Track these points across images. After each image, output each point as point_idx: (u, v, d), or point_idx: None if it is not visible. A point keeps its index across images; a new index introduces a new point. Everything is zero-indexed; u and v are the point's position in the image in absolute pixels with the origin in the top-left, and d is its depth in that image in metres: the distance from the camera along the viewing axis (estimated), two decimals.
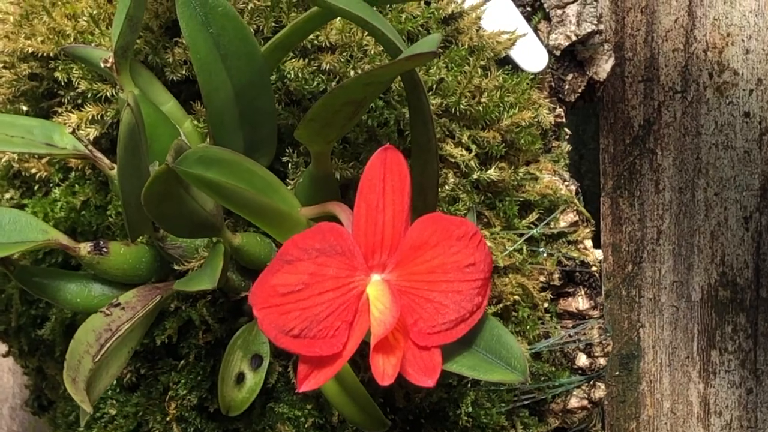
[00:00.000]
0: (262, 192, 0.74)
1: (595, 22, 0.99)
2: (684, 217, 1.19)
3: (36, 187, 0.94)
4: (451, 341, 0.72)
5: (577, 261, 0.98)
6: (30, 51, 0.89)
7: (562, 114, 1.00)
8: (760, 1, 1.15)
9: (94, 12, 0.88)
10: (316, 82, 0.87)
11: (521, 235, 0.94)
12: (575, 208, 0.98)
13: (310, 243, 0.67)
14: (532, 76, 0.95)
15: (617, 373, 1.22)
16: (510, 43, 0.94)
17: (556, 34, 0.99)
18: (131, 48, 0.81)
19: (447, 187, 0.91)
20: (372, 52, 0.88)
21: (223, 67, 0.77)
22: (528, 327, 0.96)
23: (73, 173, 0.92)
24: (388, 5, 0.89)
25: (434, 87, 0.90)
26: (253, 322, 0.85)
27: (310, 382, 0.69)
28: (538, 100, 0.95)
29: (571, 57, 1.01)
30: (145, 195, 0.70)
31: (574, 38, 0.98)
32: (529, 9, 0.99)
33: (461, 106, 0.89)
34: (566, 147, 1.01)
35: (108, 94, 0.88)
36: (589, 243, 1.00)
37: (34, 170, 0.92)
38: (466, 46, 0.92)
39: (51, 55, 0.89)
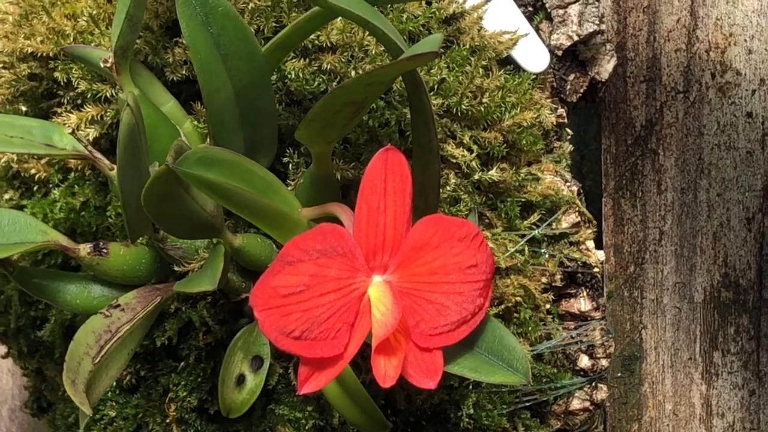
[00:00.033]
0: (263, 193, 0.74)
1: (597, 22, 0.99)
2: (686, 217, 1.19)
3: (35, 188, 0.94)
4: (452, 343, 0.72)
5: (579, 262, 0.98)
6: (29, 51, 0.89)
7: (564, 114, 1.00)
8: (762, 1, 1.15)
9: (94, 12, 0.88)
10: (316, 83, 0.87)
11: (523, 236, 0.94)
12: (577, 208, 0.98)
13: (311, 244, 0.66)
14: (533, 77, 0.95)
15: (619, 374, 1.22)
16: (511, 43, 0.94)
17: (557, 34, 0.98)
18: (131, 48, 0.81)
19: (448, 188, 0.90)
20: (373, 52, 0.88)
21: (224, 68, 0.76)
22: (530, 328, 0.95)
23: (72, 174, 0.92)
24: (390, 5, 0.88)
25: (436, 87, 0.89)
26: (253, 324, 0.85)
27: (311, 384, 0.68)
28: (540, 100, 0.95)
29: (572, 57, 1.01)
30: (145, 196, 0.70)
31: (575, 38, 0.98)
32: (530, 9, 0.99)
33: (463, 107, 0.89)
34: (568, 147, 1.00)
35: (108, 95, 0.88)
36: (591, 244, 1.00)
37: (33, 171, 0.92)
38: (467, 46, 0.91)
39: (50, 55, 0.89)
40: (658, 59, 1.18)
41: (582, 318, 0.99)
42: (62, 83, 0.89)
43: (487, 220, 0.94)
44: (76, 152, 0.82)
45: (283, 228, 0.76)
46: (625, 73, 1.19)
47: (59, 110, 0.89)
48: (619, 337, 1.21)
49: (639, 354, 1.22)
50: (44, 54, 0.89)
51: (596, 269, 0.99)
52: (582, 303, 0.99)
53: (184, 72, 0.87)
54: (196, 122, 0.87)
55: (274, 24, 0.87)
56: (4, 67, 0.92)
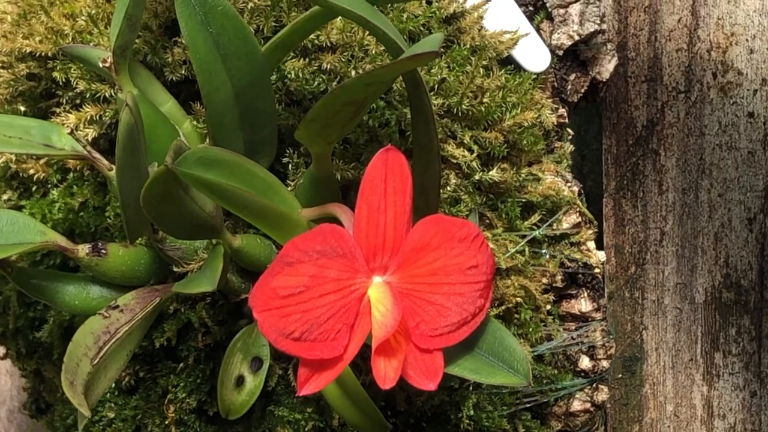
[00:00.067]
0: (263, 193, 0.74)
1: (598, 21, 0.99)
2: (687, 218, 1.19)
3: (34, 188, 0.94)
4: (453, 344, 0.72)
5: (579, 263, 0.98)
6: (28, 51, 0.89)
7: (565, 114, 0.99)
8: (764, 1, 1.15)
9: (93, 11, 0.88)
10: (316, 82, 0.87)
11: (523, 236, 0.94)
12: (578, 209, 0.98)
13: (311, 245, 0.66)
14: (534, 76, 0.95)
15: (620, 375, 1.21)
16: (512, 43, 0.94)
17: (558, 33, 0.98)
18: (130, 48, 0.81)
19: (449, 188, 0.90)
20: (373, 51, 0.87)
21: (223, 67, 0.76)
22: (530, 329, 0.95)
23: (71, 174, 0.92)
24: (390, 4, 0.88)
25: (436, 87, 0.89)
26: (253, 325, 0.85)
27: (310, 385, 0.68)
28: (541, 100, 0.95)
29: (573, 57, 1.01)
30: (143, 196, 0.69)
31: (576, 38, 0.98)
32: (531, 8, 0.99)
33: (463, 107, 0.89)
34: (569, 148, 1.00)
35: (107, 95, 0.88)
36: (591, 244, 1.00)
37: (32, 171, 0.92)
38: (468, 46, 0.91)
39: (49, 54, 0.89)
40: (660, 59, 1.17)
41: (583, 319, 0.99)
42: (61, 83, 0.89)
43: (487, 221, 0.93)
44: (75, 152, 0.81)
45: (282, 228, 0.76)
46: (626, 73, 1.18)
47: (58, 110, 0.89)
48: (620, 338, 1.21)
49: (640, 355, 1.21)
50: (43, 54, 0.89)
51: (597, 270, 0.99)
52: (583, 304, 0.99)
53: (183, 72, 0.87)
54: (195, 122, 0.86)
55: (273, 23, 0.86)
56: (2, 67, 0.91)
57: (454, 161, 0.90)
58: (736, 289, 1.19)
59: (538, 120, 0.94)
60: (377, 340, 0.66)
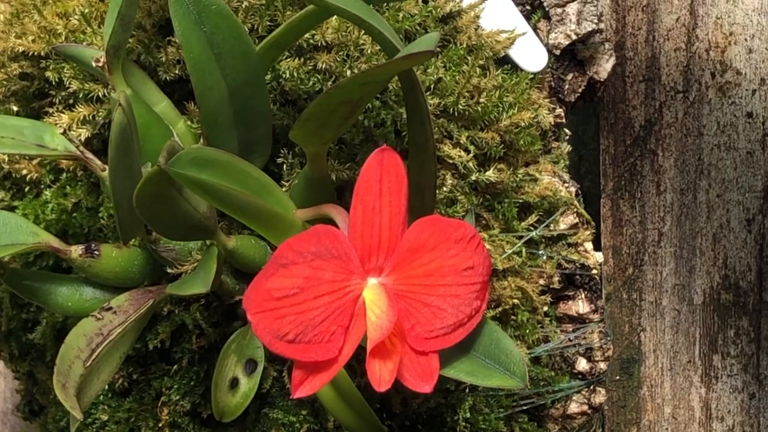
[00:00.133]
0: (257, 194, 0.74)
1: (596, 20, 0.98)
2: (686, 219, 1.18)
3: (27, 189, 0.93)
4: (449, 346, 0.72)
5: (577, 264, 0.98)
6: (21, 50, 0.89)
7: (562, 114, 0.99)
8: (763, 0, 1.14)
9: (86, 10, 0.88)
10: (311, 82, 0.86)
11: (520, 237, 0.94)
12: (575, 210, 0.98)
13: (306, 246, 0.66)
14: (531, 76, 0.94)
15: (618, 377, 1.21)
16: (509, 42, 0.93)
17: (555, 33, 0.98)
18: (123, 47, 0.81)
19: (445, 189, 0.90)
20: (369, 51, 0.87)
21: (217, 67, 0.76)
22: (527, 331, 0.95)
23: (64, 174, 0.92)
24: (386, 3, 0.88)
25: (432, 87, 0.89)
26: (247, 326, 0.85)
27: (305, 387, 0.68)
28: (538, 100, 0.94)
29: (571, 56, 1.00)
30: (136, 196, 0.69)
31: (574, 37, 0.98)
32: (528, 7, 0.99)
33: (459, 106, 0.89)
34: (566, 148, 1.00)
35: (100, 94, 0.87)
36: (589, 245, 0.99)
37: (24, 171, 0.92)
38: (464, 46, 0.91)
39: (42, 54, 0.89)
40: (658, 58, 1.17)
41: (580, 320, 0.99)
42: (54, 83, 0.89)
43: (484, 222, 0.93)
44: (68, 153, 0.81)
45: (277, 229, 0.76)
46: (623, 73, 1.18)
47: (51, 110, 0.89)
48: (618, 339, 1.20)
49: (638, 357, 1.21)
50: (36, 53, 0.89)
51: (594, 271, 0.99)
52: (580, 305, 0.98)
53: (177, 71, 0.87)
54: (189, 122, 0.86)
55: (268, 22, 0.86)
56: None
57: (451, 161, 0.90)
58: (735, 291, 1.19)
59: (535, 120, 0.93)
60: (372, 342, 0.66)
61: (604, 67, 1.02)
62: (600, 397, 1.00)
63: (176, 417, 0.92)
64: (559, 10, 0.98)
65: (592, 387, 1.00)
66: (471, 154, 0.90)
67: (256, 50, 0.77)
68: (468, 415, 0.93)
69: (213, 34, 0.75)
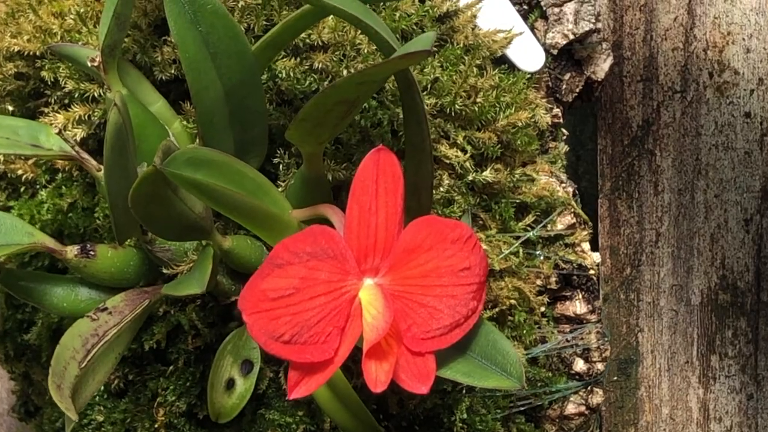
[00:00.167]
0: (253, 194, 0.74)
1: (593, 20, 0.98)
2: (683, 219, 1.18)
3: (22, 189, 0.93)
4: (445, 347, 0.71)
5: (574, 264, 0.97)
6: (16, 50, 0.89)
7: (560, 114, 0.99)
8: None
9: (82, 10, 0.87)
10: (308, 82, 0.86)
11: (517, 237, 0.94)
12: (572, 210, 0.97)
13: (302, 246, 0.66)
14: (528, 76, 0.94)
15: (615, 378, 1.21)
16: (506, 42, 0.93)
17: (553, 32, 0.98)
18: (119, 47, 0.81)
19: (442, 189, 0.90)
20: (365, 50, 0.87)
21: (213, 66, 0.76)
22: (524, 331, 0.95)
23: (60, 175, 0.91)
24: (382, 3, 0.88)
25: (429, 86, 0.89)
26: (243, 327, 0.85)
27: (301, 388, 0.68)
28: (535, 100, 0.94)
29: (568, 56, 1.00)
30: (132, 197, 0.69)
31: (571, 37, 0.98)
32: (525, 7, 0.98)
33: (456, 106, 0.89)
34: (563, 148, 1.00)
35: (95, 94, 0.87)
36: (586, 246, 0.99)
37: (20, 171, 0.92)
38: (461, 45, 0.91)
39: (37, 54, 0.89)
40: (655, 58, 1.17)
41: (577, 321, 0.98)
42: (49, 82, 0.89)
43: (481, 222, 0.93)
44: (63, 153, 0.81)
45: (273, 230, 0.75)
46: (621, 73, 1.18)
47: (46, 110, 0.89)
48: (615, 340, 1.20)
49: (635, 357, 1.21)
50: (31, 53, 0.88)
51: (592, 271, 0.99)
52: (577, 306, 0.98)
53: (173, 71, 0.87)
54: (185, 122, 0.86)
55: (264, 22, 0.86)
56: None
57: (447, 161, 0.90)
58: (733, 291, 1.19)
59: (533, 120, 0.93)
60: (368, 343, 0.66)
61: (602, 66, 1.02)
62: (597, 397, 1.00)
63: (172, 418, 0.92)
64: (556, 10, 0.98)
65: (589, 388, 0.99)
66: (468, 154, 0.90)
67: (252, 50, 0.77)
68: (465, 416, 0.92)
69: (208, 34, 0.74)
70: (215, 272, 0.77)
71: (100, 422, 0.94)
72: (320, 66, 0.86)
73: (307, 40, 0.86)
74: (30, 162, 0.92)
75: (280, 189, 0.85)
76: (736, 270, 1.19)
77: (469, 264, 0.71)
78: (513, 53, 0.94)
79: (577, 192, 1.00)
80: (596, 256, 1.00)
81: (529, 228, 0.95)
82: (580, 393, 0.99)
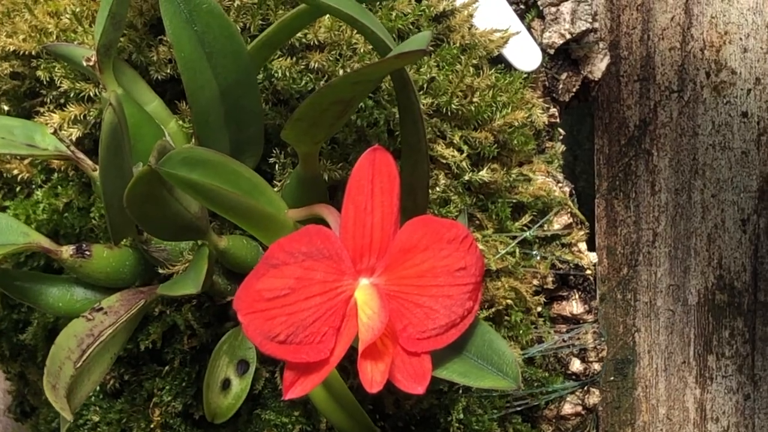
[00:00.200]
0: (248, 194, 0.74)
1: (590, 19, 0.98)
2: (680, 219, 1.18)
3: (18, 189, 0.93)
4: (441, 347, 0.71)
5: (571, 264, 0.97)
6: (11, 49, 0.88)
7: (556, 114, 0.99)
8: None
9: (77, 9, 0.87)
10: (304, 81, 0.86)
11: (514, 237, 0.93)
12: (569, 210, 0.97)
13: (297, 246, 0.65)
14: (525, 75, 0.94)
15: (612, 378, 1.21)
16: (503, 42, 0.93)
17: (549, 32, 0.98)
18: (114, 46, 0.80)
19: (438, 189, 0.90)
20: (361, 50, 0.87)
21: (208, 66, 0.75)
22: (521, 332, 0.95)
23: (55, 174, 0.91)
24: (378, 2, 0.88)
25: (425, 86, 0.89)
26: (239, 327, 0.84)
27: (296, 388, 0.68)
28: (532, 99, 0.94)
29: (565, 56, 1.00)
30: (127, 196, 0.69)
31: (568, 36, 0.97)
32: (522, 6, 0.98)
33: (453, 106, 0.88)
34: (560, 148, 1.00)
35: (91, 94, 0.87)
36: (583, 246, 0.99)
37: (15, 171, 0.91)
38: (457, 45, 0.91)
39: (33, 53, 0.88)
40: (652, 58, 1.17)
41: (574, 321, 0.98)
42: (45, 82, 0.88)
43: (477, 222, 0.93)
44: (59, 152, 0.81)
45: (269, 230, 0.75)
46: (618, 72, 1.18)
47: (42, 110, 0.89)
48: (612, 340, 1.20)
49: (632, 357, 1.21)
50: (27, 52, 0.88)
51: (589, 271, 0.99)
52: (574, 306, 0.98)
53: (168, 71, 0.87)
54: (181, 122, 0.86)
55: (260, 21, 0.86)
56: None
57: (444, 161, 0.90)
58: (730, 291, 1.19)
59: (529, 120, 0.93)
60: (364, 343, 0.65)
61: (599, 66, 1.01)
62: (594, 398, 1.00)
63: (168, 418, 0.91)
64: (553, 9, 0.98)
65: (586, 388, 0.99)
66: (464, 154, 0.90)
67: (248, 49, 0.77)
68: (461, 416, 0.92)
69: (204, 33, 0.74)
70: (211, 272, 0.77)
71: (96, 422, 0.93)
72: (316, 65, 0.86)
73: (303, 40, 0.86)
74: (26, 162, 0.92)
75: (275, 189, 0.84)
76: (733, 270, 1.19)
77: (465, 264, 0.71)
78: (510, 53, 0.94)
79: (573, 192, 1.00)
80: (593, 256, 1.00)
81: (525, 228, 0.94)
82: (577, 393, 0.99)
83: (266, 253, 0.65)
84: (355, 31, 0.86)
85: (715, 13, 1.15)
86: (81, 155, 0.81)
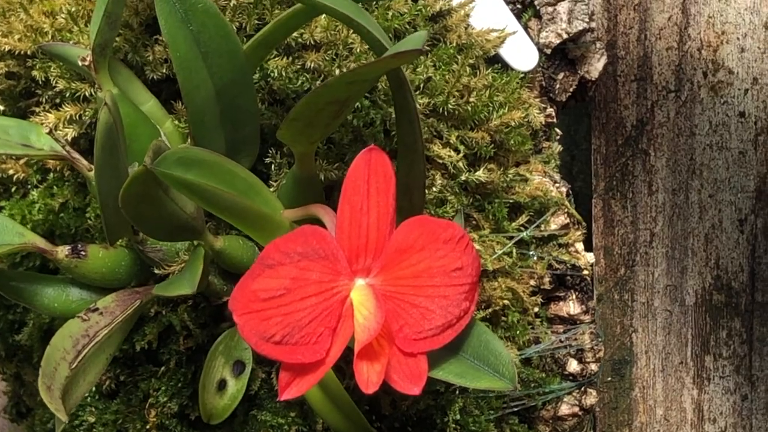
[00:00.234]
0: (244, 194, 0.73)
1: (587, 19, 0.98)
2: (677, 219, 1.18)
3: (13, 189, 0.93)
4: (437, 347, 0.71)
5: (568, 264, 0.97)
6: (7, 49, 0.88)
7: (553, 114, 0.99)
8: None
9: (73, 9, 0.87)
10: (300, 81, 0.86)
11: (511, 237, 0.93)
12: (566, 210, 0.97)
13: (293, 246, 0.65)
14: (522, 75, 0.94)
15: (609, 378, 1.21)
16: (499, 41, 0.93)
17: (546, 31, 0.97)
18: (110, 46, 0.80)
19: (434, 189, 0.89)
20: (358, 50, 0.87)
21: (204, 65, 0.75)
22: (518, 332, 0.94)
23: (51, 174, 0.91)
24: (375, 2, 0.87)
25: (421, 86, 0.88)
26: (234, 328, 0.84)
27: (292, 389, 0.68)
28: (528, 99, 0.94)
29: (562, 55, 1.00)
30: (122, 196, 0.69)
31: (565, 36, 0.97)
32: (519, 6, 0.98)
33: (449, 106, 0.88)
34: (557, 148, 1.00)
35: (86, 94, 0.87)
36: (580, 246, 0.99)
37: (11, 171, 0.91)
38: (454, 44, 0.90)
39: (28, 53, 0.88)
40: (649, 58, 1.17)
41: (571, 321, 0.98)
42: (40, 82, 0.88)
43: (474, 222, 0.93)
44: (54, 152, 0.81)
45: (264, 230, 0.75)
46: (615, 72, 1.18)
47: (37, 109, 0.88)
48: (609, 340, 1.20)
49: (629, 358, 1.21)
50: (22, 52, 0.88)
51: (586, 272, 0.98)
52: (571, 306, 0.98)
53: (164, 70, 0.87)
54: (176, 121, 0.86)
55: (256, 21, 0.86)
56: None
57: (440, 161, 0.89)
58: (727, 291, 1.19)
59: (526, 120, 0.93)
60: (360, 344, 0.65)
61: (596, 66, 1.01)
62: (591, 398, 1.00)
63: (164, 419, 0.91)
64: (549, 9, 0.97)
65: (583, 388, 0.99)
66: (461, 154, 0.90)
67: (244, 49, 0.77)
68: (458, 416, 0.92)
69: (199, 33, 0.74)
70: (207, 272, 0.77)
71: (91, 423, 0.93)
72: (312, 65, 0.86)
73: (299, 39, 0.86)
74: (21, 162, 0.92)
75: (271, 189, 0.84)
76: (730, 270, 1.18)
77: (462, 264, 0.70)
78: (506, 52, 0.94)
79: (570, 192, 0.99)
80: (590, 257, 1.00)
81: (522, 228, 0.94)
82: (574, 394, 0.99)
83: (262, 253, 0.65)
84: (352, 31, 0.86)
85: (713, 13, 1.15)
86: (76, 155, 0.80)
